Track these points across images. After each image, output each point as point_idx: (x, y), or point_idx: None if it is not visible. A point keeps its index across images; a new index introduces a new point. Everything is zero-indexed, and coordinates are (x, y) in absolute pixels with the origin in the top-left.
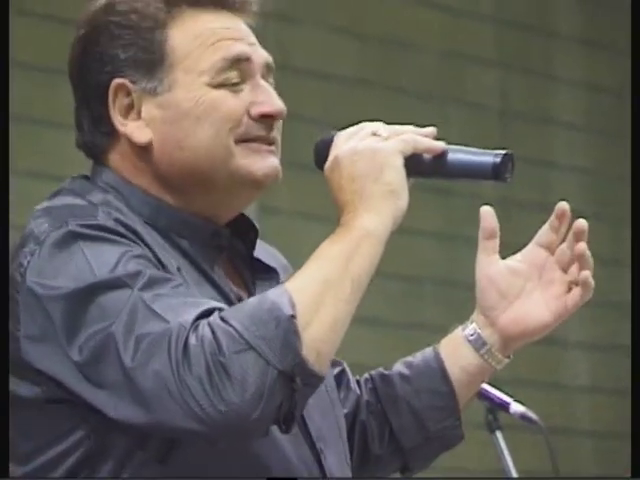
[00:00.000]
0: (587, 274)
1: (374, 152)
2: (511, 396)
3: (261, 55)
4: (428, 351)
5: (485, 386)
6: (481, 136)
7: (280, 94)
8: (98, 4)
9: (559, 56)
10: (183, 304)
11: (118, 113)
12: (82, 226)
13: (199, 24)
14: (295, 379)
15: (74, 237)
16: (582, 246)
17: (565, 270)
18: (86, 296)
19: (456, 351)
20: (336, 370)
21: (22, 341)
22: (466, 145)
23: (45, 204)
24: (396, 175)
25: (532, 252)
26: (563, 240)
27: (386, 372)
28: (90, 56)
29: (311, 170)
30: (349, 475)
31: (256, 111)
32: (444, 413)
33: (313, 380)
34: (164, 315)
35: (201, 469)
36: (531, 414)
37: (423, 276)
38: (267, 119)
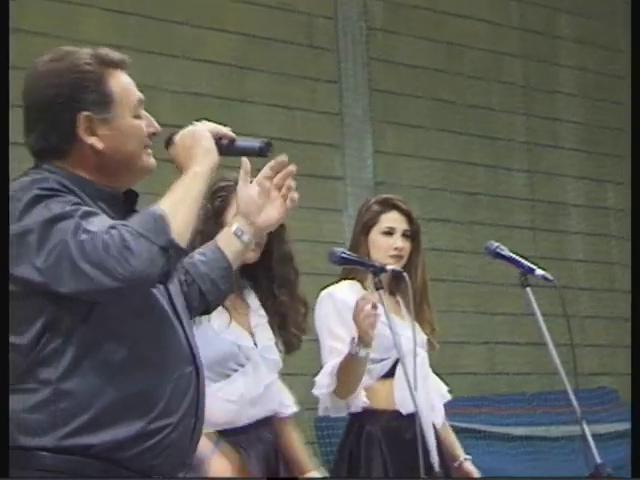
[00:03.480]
0: (285, 192)
1: (193, 131)
2: (535, 264)
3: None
4: (212, 244)
5: (519, 258)
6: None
7: (386, 80)
8: (65, 64)
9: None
10: (102, 222)
11: (84, 132)
12: (41, 189)
13: (121, 82)
14: (169, 250)
15: (38, 197)
16: (280, 177)
17: (280, 189)
18: (46, 224)
19: (228, 241)
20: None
21: (10, 262)
22: None
23: (21, 180)
24: (207, 142)
25: (264, 181)
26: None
27: (191, 261)
28: (63, 97)
29: (396, 124)
30: (192, 333)
31: (150, 131)
32: (224, 273)
33: (180, 251)
34: (92, 229)
35: (116, 324)
36: (549, 276)
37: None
38: (154, 135)
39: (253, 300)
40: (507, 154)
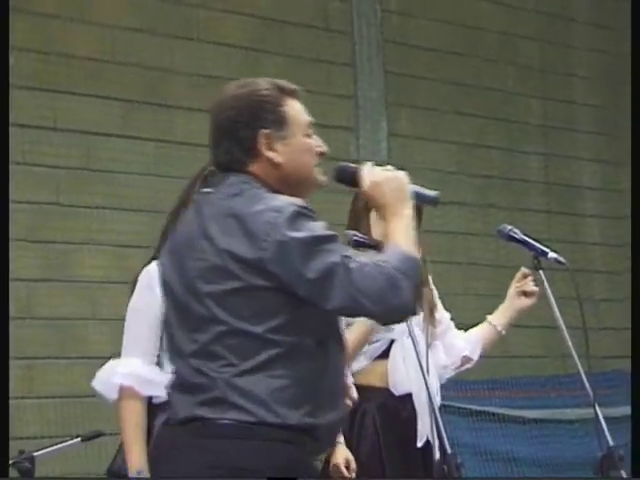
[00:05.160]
0: None
1: (397, 177)
2: (550, 247)
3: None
4: None
5: (532, 241)
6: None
7: (401, 62)
8: (246, 90)
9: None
10: (357, 254)
11: (264, 147)
12: (300, 207)
13: (294, 106)
14: (420, 288)
15: (299, 213)
16: None
17: None
18: (314, 242)
19: None
20: None
21: (268, 262)
22: None
23: (250, 194)
24: (409, 187)
25: None
26: None
27: None
28: (246, 117)
29: (411, 106)
30: None
31: (319, 150)
32: None
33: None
34: (357, 259)
35: (331, 328)
36: (561, 258)
37: None
38: (322, 155)
39: None
40: (523, 137)
